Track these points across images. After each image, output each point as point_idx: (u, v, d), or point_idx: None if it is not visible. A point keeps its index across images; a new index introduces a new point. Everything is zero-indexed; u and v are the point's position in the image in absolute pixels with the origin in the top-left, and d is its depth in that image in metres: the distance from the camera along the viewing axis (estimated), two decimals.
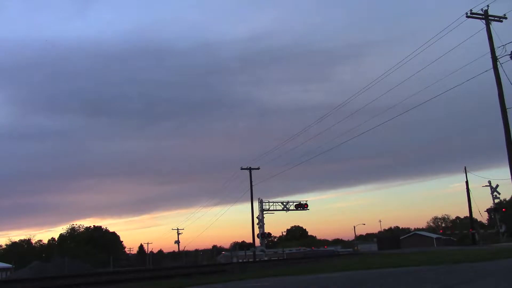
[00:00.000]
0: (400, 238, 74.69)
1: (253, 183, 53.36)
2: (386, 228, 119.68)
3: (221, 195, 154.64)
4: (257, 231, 54.64)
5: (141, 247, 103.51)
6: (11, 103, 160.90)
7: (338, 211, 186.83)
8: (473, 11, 23.77)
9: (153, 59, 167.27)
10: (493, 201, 51.32)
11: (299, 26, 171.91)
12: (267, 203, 57.40)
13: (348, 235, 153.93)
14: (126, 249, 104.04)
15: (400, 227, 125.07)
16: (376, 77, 57.21)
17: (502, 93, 23.07)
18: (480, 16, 23.87)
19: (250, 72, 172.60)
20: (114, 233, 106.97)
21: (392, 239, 73.79)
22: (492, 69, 23.22)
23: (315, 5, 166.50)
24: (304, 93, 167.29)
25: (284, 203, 58.16)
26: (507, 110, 22.82)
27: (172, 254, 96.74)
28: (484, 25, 23.85)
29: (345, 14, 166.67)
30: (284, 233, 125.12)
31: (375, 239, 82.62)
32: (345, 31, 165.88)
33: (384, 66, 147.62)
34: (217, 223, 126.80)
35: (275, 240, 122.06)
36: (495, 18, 24.04)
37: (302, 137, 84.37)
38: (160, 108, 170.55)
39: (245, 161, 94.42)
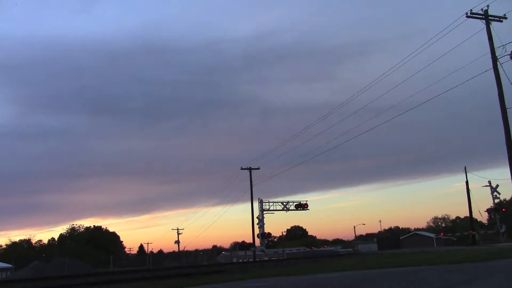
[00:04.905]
0: (400, 238, 74.80)
1: (253, 183, 53.46)
2: (386, 228, 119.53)
3: (221, 195, 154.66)
4: (257, 231, 54.65)
5: (141, 247, 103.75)
6: (13, 102, 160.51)
7: (338, 211, 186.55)
8: (473, 11, 23.78)
9: (158, 57, 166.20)
10: (493, 201, 51.24)
11: (304, 24, 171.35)
12: (267, 203, 57.38)
13: (348, 235, 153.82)
14: (126, 249, 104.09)
15: (400, 227, 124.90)
16: (381, 76, 57.14)
17: (502, 93, 23.08)
18: (480, 16, 23.88)
19: (254, 71, 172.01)
20: (114, 233, 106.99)
21: (392, 239, 73.94)
22: (492, 69, 23.23)
23: (319, 4, 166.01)
24: (308, 92, 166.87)
25: (284, 203, 58.13)
26: (507, 110, 22.82)
27: (172, 254, 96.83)
28: (484, 25, 23.85)
29: (349, 13, 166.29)
30: (284, 233, 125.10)
31: (375, 239, 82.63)
32: (350, 29, 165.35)
33: (389, 65, 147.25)
34: (217, 223, 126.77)
35: (275, 240, 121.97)
36: (495, 18, 24.05)
37: (302, 136, 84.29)
38: (162, 107, 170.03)
39: (247, 161, 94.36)
